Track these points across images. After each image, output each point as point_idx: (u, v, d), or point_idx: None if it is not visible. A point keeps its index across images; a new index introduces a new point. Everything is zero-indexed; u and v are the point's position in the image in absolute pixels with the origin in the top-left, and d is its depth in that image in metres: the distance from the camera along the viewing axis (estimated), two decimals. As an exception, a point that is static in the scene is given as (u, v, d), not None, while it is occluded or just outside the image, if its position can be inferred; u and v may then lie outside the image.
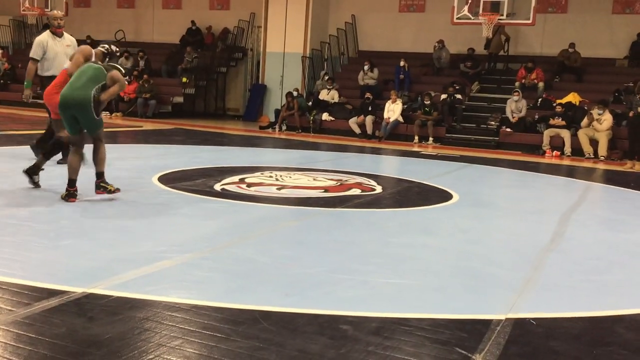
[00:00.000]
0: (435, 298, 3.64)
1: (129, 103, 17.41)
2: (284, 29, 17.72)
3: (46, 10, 18.94)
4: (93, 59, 6.05)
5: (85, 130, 5.72)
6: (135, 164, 8.44)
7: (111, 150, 10.13)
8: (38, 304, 3.05)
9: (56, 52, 7.63)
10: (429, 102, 14.87)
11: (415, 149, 13.66)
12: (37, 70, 7.66)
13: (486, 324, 3.22)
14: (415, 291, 3.73)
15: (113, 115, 17.00)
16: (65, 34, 7.85)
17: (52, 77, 7.38)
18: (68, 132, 5.75)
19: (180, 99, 18.32)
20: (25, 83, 7.84)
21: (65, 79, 6.02)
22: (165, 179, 7.06)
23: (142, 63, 19.10)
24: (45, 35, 7.72)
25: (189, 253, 4.20)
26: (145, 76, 17.67)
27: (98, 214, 5.28)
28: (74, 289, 3.28)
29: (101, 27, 21.09)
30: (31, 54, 7.68)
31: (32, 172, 6.06)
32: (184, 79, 18.43)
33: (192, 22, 19.99)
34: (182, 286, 3.52)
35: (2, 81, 19.51)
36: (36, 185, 6.06)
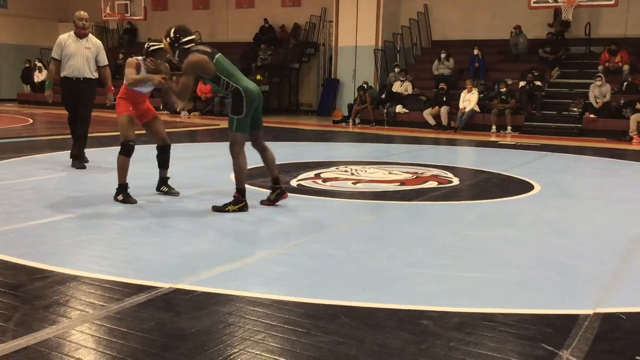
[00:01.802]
0: (518, 292, 3.55)
1: (205, 102, 17.87)
2: (356, 22, 17.68)
3: (126, 15, 19.75)
4: (168, 56, 5.59)
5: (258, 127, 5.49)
6: (213, 161, 8.66)
7: (190, 149, 10.47)
8: (128, 299, 3.19)
9: (74, 52, 7.41)
10: (505, 90, 14.46)
11: (493, 138, 13.33)
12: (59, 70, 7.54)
13: (573, 319, 3.10)
14: (497, 285, 3.65)
15: (191, 114, 17.51)
16: (90, 36, 7.62)
17: (67, 78, 7.46)
18: (246, 130, 5.30)
19: (254, 96, 18.63)
20: (46, 83, 7.70)
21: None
22: (243, 176, 7.19)
23: (217, 62, 19.54)
24: (66, 35, 7.52)
25: (269, 249, 4.28)
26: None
27: (180, 212, 5.45)
28: (161, 285, 3.40)
29: (178, 29, 21.71)
30: (52, 54, 7.57)
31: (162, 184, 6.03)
32: (258, 76, 18.73)
33: (265, 20, 20.28)
34: (263, 282, 3.59)
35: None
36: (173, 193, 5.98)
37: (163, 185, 6.05)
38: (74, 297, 3.26)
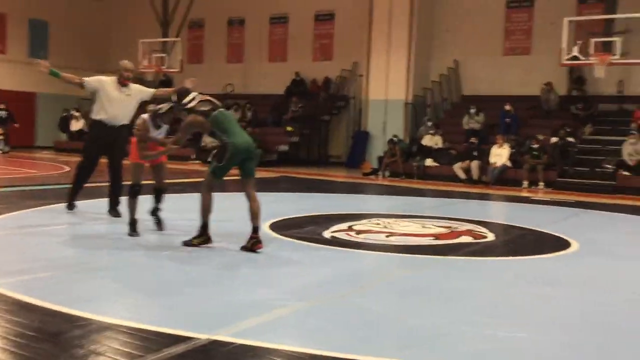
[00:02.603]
0: (566, 355, 3.42)
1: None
2: (386, 76, 17.91)
3: (163, 67, 20.30)
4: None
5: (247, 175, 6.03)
6: (245, 212, 8.66)
7: (223, 199, 10.51)
8: (166, 350, 3.15)
9: (115, 99, 7.30)
10: (537, 145, 14.38)
11: (525, 194, 13.19)
12: (91, 114, 7.52)
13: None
14: (543, 346, 3.53)
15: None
16: (132, 85, 7.50)
17: (102, 125, 7.31)
18: (220, 177, 5.95)
19: (285, 148, 18.84)
20: (55, 72, 7.40)
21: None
22: (276, 226, 7.20)
23: (249, 114, 19.89)
24: (109, 79, 7.45)
25: (305, 301, 4.22)
26: (249, 129, 18.34)
27: (214, 261, 5.44)
28: (199, 336, 3.36)
29: (212, 81, 22.21)
30: (85, 78, 7.44)
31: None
32: (289, 128, 18.97)
33: (296, 73, 20.67)
34: (300, 335, 3.53)
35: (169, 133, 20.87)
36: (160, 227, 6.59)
37: (155, 214, 6.72)
38: (111, 346, 3.23)
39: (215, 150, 5.83)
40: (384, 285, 4.84)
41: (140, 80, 23.07)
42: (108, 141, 7.44)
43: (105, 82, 7.36)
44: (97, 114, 7.39)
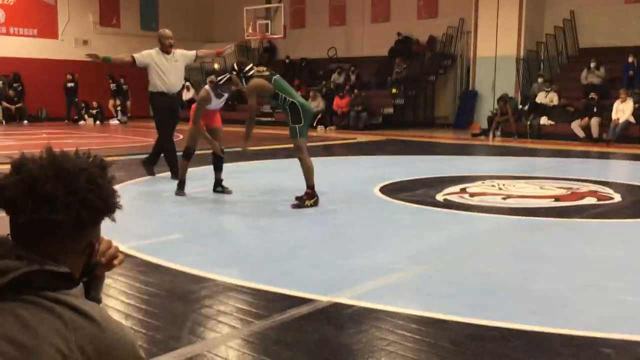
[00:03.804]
0: None
1: (342, 116, 18.10)
2: (495, 31, 17.09)
3: (267, 34, 20.53)
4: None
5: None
6: (355, 175, 8.67)
7: (330, 163, 10.59)
8: (290, 311, 3.20)
9: (167, 69, 7.61)
10: (666, 99, 13.28)
11: (651, 152, 12.26)
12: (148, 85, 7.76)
13: None
14: (686, 315, 3.27)
15: (327, 128, 17.79)
16: (176, 51, 7.75)
17: (163, 95, 7.61)
18: (305, 135, 6.07)
19: (390, 110, 18.58)
20: (107, 57, 7.88)
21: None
22: (386, 190, 7.13)
23: (353, 77, 19.76)
24: (154, 51, 7.69)
25: (422, 265, 4.15)
26: (355, 90, 18.24)
27: (328, 224, 5.48)
28: (320, 298, 3.39)
29: (315, 46, 22.25)
30: (134, 54, 7.76)
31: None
32: (394, 90, 18.66)
33: (398, 33, 20.21)
34: (421, 299, 3.48)
35: (230, 102, 21.46)
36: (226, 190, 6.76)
37: (218, 186, 6.82)
38: (237, 306, 3.33)
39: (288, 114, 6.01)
40: (504, 249, 4.67)
41: (246, 47, 23.56)
42: (170, 109, 7.77)
43: (153, 55, 7.66)
44: (156, 87, 7.69)
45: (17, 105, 19.98)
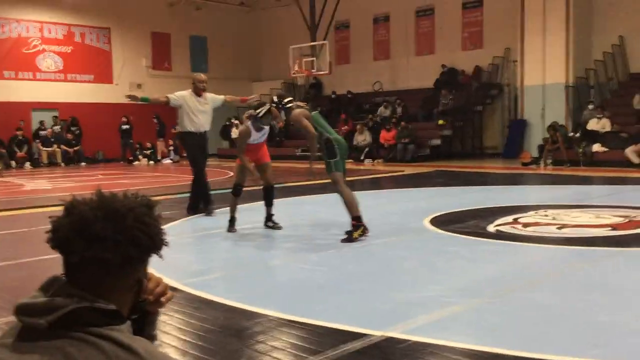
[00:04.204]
0: None
1: (389, 149, 18.11)
2: (543, 59, 16.92)
3: (312, 71, 20.85)
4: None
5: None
6: (404, 207, 8.63)
7: (379, 196, 10.58)
8: (343, 346, 3.19)
9: (196, 109, 7.98)
10: None
11: None
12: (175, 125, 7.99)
13: None
14: None
15: (375, 161, 17.81)
16: (207, 94, 8.14)
17: (192, 134, 7.98)
18: (341, 169, 6.11)
19: (437, 142, 18.51)
20: (144, 98, 8.40)
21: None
22: (437, 222, 7.06)
23: (399, 110, 19.82)
24: (187, 93, 8.07)
25: (476, 298, 4.08)
26: (403, 123, 18.25)
27: (379, 258, 5.45)
28: (374, 332, 3.37)
29: (360, 80, 22.47)
30: (169, 94, 8.14)
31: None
32: (441, 121, 18.60)
33: (443, 65, 20.22)
34: (475, 332, 3.41)
35: (278, 138, 21.76)
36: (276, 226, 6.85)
37: (269, 221, 6.92)
38: (291, 342, 3.34)
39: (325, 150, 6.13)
40: (560, 280, 4.55)
41: (292, 84, 23.97)
42: (201, 147, 8.14)
43: (186, 97, 8.04)
44: (185, 127, 8.07)
45: (75, 148, 20.76)
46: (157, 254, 1.27)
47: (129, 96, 8.31)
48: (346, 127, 19.83)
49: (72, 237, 1.18)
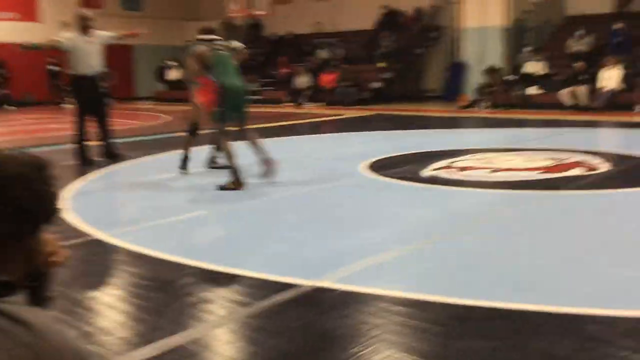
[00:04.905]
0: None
1: (329, 92, 17.96)
2: (482, 1, 16.92)
3: (250, 10, 20.25)
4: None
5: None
6: (341, 152, 8.62)
7: (317, 140, 10.53)
8: (273, 297, 3.16)
9: (85, 50, 7.44)
10: (653, 65, 13.23)
11: (638, 119, 12.25)
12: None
13: None
14: (670, 287, 3.26)
15: (315, 104, 17.67)
16: (94, 31, 7.59)
17: (83, 76, 7.43)
18: (222, 120, 5.95)
19: (378, 84, 18.46)
20: (35, 45, 8.00)
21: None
22: (373, 167, 7.08)
23: (340, 52, 19.58)
24: (72, 34, 7.55)
25: (408, 244, 4.12)
26: (343, 65, 18.08)
27: (312, 204, 5.43)
28: (304, 282, 3.36)
29: (301, 21, 21.99)
30: (58, 38, 7.60)
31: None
32: (382, 64, 18.52)
33: (385, 6, 19.98)
34: (405, 279, 3.45)
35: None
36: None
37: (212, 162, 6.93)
38: (220, 294, 3.30)
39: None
40: (490, 225, 4.64)
41: (231, 25, 23.26)
42: (92, 89, 7.54)
43: (73, 38, 7.47)
44: (75, 69, 7.50)
45: (3, 91, 19.72)
46: (49, 223, 1.17)
47: (22, 45, 7.86)
48: (286, 69, 19.50)
49: None
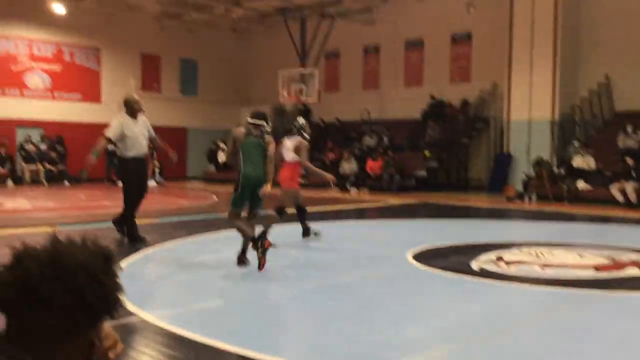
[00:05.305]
0: None
1: (375, 178, 18.07)
2: (529, 95, 17.06)
3: (301, 97, 20.88)
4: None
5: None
6: (387, 240, 8.54)
7: (362, 226, 10.49)
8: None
9: (135, 133, 7.56)
10: None
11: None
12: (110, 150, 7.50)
13: None
14: None
15: (360, 190, 17.75)
16: (140, 116, 7.72)
17: (134, 158, 7.57)
18: (237, 206, 6.23)
19: (423, 173, 18.51)
20: (96, 153, 7.54)
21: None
22: (420, 256, 6.97)
23: (386, 139, 19.84)
24: (122, 118, 7.62)
25: (457, 342, 3.98)
26: (389, 152, 18.26)
27: (356, 294, 5.34)
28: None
29: (348, 108, 22.51)
30: (108, 134, 7.51)
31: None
32: (427, 153, 18.63)
33: (431, 96, 20.34)
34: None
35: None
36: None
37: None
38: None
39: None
40: (543, 324, 4.46)
41: (281, 110, 23.96)
42: (141, 173, 7.82)
43: (123, 121, 7.55)
44: (126, 152, 7.61)
45: (60, 167, 20.52)
46: (111, 317, 1.16)
47: (84, 171, 8.13)
48: (333, 154, 19.80)
49: (13, 297, 1.06)
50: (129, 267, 6.19)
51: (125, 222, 7.83)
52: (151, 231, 8.41)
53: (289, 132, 8.28)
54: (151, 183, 20.81)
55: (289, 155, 7.83)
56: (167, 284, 5.80)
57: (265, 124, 6.37)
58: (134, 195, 7.79)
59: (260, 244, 5.90)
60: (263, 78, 24.73)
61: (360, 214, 12.69)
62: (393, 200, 15.26)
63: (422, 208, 13.70)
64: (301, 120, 8.22)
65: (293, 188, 7.87)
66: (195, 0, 20.77)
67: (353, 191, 17.74)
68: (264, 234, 6.43)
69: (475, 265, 6.47)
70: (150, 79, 23.83)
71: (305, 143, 7.90)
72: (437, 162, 18.89)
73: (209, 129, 24.23)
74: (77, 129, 21.33)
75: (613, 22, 16.81)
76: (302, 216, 8.09)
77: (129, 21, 22.43)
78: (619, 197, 13.66)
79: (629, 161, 13.86)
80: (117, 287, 1.17)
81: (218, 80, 25.36)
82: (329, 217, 10.89)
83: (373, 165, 18.41)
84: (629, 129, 15.03)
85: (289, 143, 7.93)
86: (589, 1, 17.23)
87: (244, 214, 6.34)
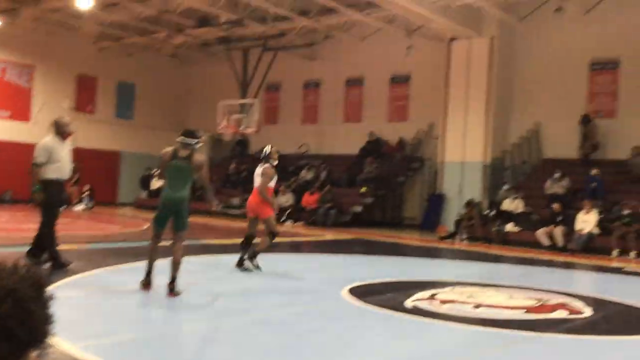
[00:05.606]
0: None
1: (310, 212, 18.05)
2: (463, 138, 17.58)
3: (240, 128, 20.76)
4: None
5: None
6: (322, 275, 8.47)
7: (297, 260, 10.38)
8: None
9: (63, 157, 7.40)
10: (628, 211, 13.57)
11: (615, 263, 12.36)
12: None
13: None
14: None
15: (295, 224, 17.67)
16: (67, 140, 7.62)
17: (58, 181, 7.33)
18: (158, 225, 6.28)
19: (359, 209, 18.64)
20: (35, 188, 7.30)
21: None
22: (355, 292, 6.92)
23: (323, 174, 19.93)
24: (48, 139, 7.45)
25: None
26: (328, 186, 18.33)
27: (290, 328, 5.22)
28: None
29: (287, 142, 22.52)
30: (37, 160, 7.28)
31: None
32: (363, 189, 18.80)
33: (370, 132, 20.64)
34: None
35: (197, 193, 21.29)
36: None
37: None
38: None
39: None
40: (476, 364, 4.46)
41: (219, 140, 23.73)
42: (60, 195, 7.62)
43: (48, 143, 7.36)
44: (48, 174, 7.29)
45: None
46: (39, 350, 1.03)
47: (35, 202, 7.50)
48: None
49: None
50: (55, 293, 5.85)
51: (44, 246, 7.40)
52: (79, 257, 8.03)
53: (259, 160, 8.56)
54: (80, 207, 20.12)
55: (257, 181, 8.19)
56: (92, 313, 5.51)
57: (194, 142, 6.30)
58: (53, 219, 7.43)
59: (172, 290, 5.94)
60: (202, 106, 24.51)
61: (296, 247, 12.59)
62: (328, 234, 15.25)
63: (357, 244, 13.74)
64: (267, 148, 8.40)
65: (269, 216, 8.14)
66: (136, 24, 20.48)
67: (288, 224, 17.64)
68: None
69: (409, 302, 6.47)
70: (84, 100, 23.18)
71: (270, 170, 8.16)
72: (373, 199, 19.09)
73: (144, 153, 23.66)
74: (5, 147, 20.43)
75: (544, 74, 17.64)
76: (248, 246, 8.20)
77: (66, 40, 21.85)
78: (545, 241, 14.12)
79: (556, 207, 14.38)
80: (47, 318, 1.04)
81: (155, 105, 24.94)
82: (264, 250, 10.71)
83: (309, 199, 18.41)
84: (556, 175, 15.63)
85: (258, 170, 8.28)
86: (522, 53, 18.04)
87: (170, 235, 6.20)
